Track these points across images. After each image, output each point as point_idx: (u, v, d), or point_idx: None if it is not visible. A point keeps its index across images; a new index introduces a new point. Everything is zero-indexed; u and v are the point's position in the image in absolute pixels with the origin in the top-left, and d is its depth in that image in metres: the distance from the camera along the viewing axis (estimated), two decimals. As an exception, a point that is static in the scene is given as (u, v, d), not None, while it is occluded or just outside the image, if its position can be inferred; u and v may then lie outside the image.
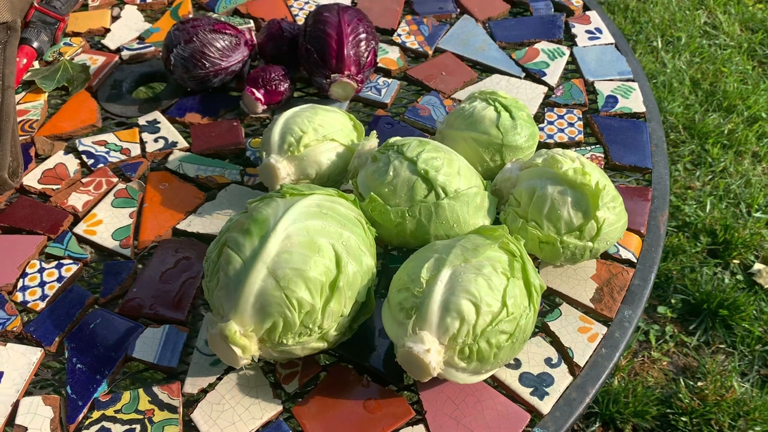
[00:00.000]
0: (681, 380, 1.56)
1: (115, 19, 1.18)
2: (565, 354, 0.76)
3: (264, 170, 0.84)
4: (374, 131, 0.83)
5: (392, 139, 0.81)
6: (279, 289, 0.65)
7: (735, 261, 1.80)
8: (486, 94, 0.87)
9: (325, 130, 0.84)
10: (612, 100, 1.02)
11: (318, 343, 0.69)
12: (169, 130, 1.00)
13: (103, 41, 1.15)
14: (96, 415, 0.71)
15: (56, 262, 0.84)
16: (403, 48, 1.12)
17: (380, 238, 0.79)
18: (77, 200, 0.91)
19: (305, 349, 0.69)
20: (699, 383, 1.56)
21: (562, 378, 0.74)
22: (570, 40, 1.13)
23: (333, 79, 0.96)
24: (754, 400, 1.50)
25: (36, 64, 1.09)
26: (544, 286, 0.71)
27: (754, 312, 1.67)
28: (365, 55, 0.97)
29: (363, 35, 0.97)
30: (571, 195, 0.75)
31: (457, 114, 0.87)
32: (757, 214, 1.89)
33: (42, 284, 0.82)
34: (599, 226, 0.75)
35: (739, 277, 1.77)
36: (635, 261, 0.84)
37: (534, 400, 0.72)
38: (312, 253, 0.66)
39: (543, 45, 1.11)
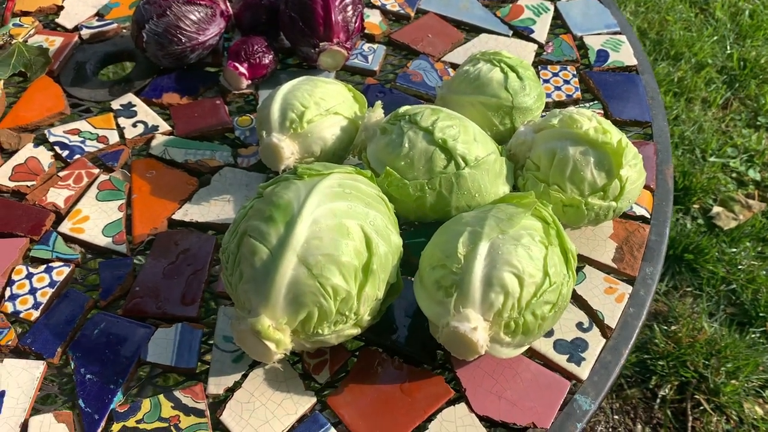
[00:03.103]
0: (655, 326, 1.60)
1: (66, -6, 1.08)
2: (595, 317, 0.75)
3: (266, 150, 0.78)
4: (379, 101, 0.79)
5: (402, 109, 0.77)
6: (312, 278, 0.61)
7: (695, 206, 1.85)
8: (489, 55, 0.84)
9: (327, 104, 0.79)
10: (603, 54, 1.00)
11: (352, 329, 0.66)
12: (147, 113, 0.92)
13: (57, 20, 1.05)
14: (116, 427, 0.66)
15: (45, 266, 0.77)
16: (384, 11, 1.07)
17: (397, 214, 0.75)
18: (57, 196, 0.83)
19: (340, 337, 0.66)
20: (672, 327, 1.60)
21: (595, 342, 0.73)
22: (551, -6, 1.11)
23: (322, 47, 0.91)
24: (724, 338, 1.56)
25: (-15, 50, 0.99)
26: (577, 250, 0.70)
27: (717, 254, 1.72)
28: (353, 20, 0.92)
29: (349, -1, 0.91)
30: (593, 155, 0.73)
31: (461, 78, 0.84)
32: (712, 159, 1.94)
33: (33, 291, 0.75)
34: (623, 185, 0.73)
35: (700, 221, 1.82)
36: (649, 217, 0.83)
37: (572, 367, 0.71)
38: (342, 236, 0.62)
39: (526, 1, 1.08)
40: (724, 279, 1.68)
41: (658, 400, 1.47)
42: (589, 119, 0.75)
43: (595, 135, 0.73)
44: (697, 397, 1.47)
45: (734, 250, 1.72)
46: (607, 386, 0.70)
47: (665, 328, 1.60)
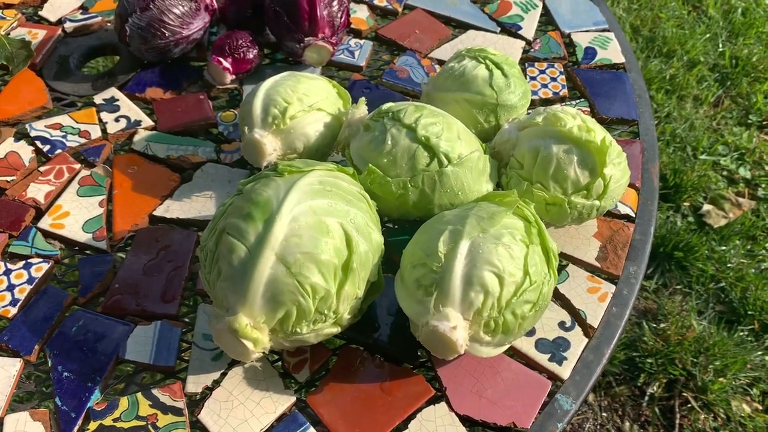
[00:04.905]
0: (644, 323, 1.60)
1: (50, -13, 1.07)
2: (577, 316, 0.74)
3: (248, 146, 0.78)
4: (363, 98, 0.78)
5: (385, 106, 0.76)
6: (291, 276, 0.60)
7: (685, 204, 1.85)
8: (475, 52, 0.83)
9: (310, 100, 0.78)
10: (591, 51, 1.00)
11: (332, 328, 0.65)
12: (130, 108, 0.92)
13: (40, 12, 1.04)
14: (93, 426, 0.65)
15: (23, 262, 0.76)
16: (371, 6, 1.06)
17: (379, 211, 0.75)
18: (37, 191, 0.82)
19: (319, 336, 0.65)
20: (661, 325, 1.60)
21: (577, 341, 0.72)
22: (540, -10, 1.10)
23: (307, 42, 0.90)
24: (713, 336, 1.56)
25: (-34, 42, 0.98)
26: (559, 249, 0.69)
27: (707, 252, 1.72)
28: (338, 15, 0.91)
29: (335, -6, 0.91)
30: (576, 153, 0.73)
31: (446, 75, 0.83)
32: (703, 156, 1.94)
33: (11, 288, 0.74)
34: (606, 184, 0.73)
35: (690, 219, 1.82)
36: (634, 216, 0.83)
37: (553, 366, 0.70)
38: (321, 234, 0.62)
39: (514, -3, 1.08)
40: (714, 277, 1.68)
41: (646, 398, 1.47)
42: (573, 117, 0.74)
43: (579, 133, 0.73)
44: (685, 394, 1.47)
45: (724, 248, 1.72)
46: (589, 386, 0.70)
47: (654, 325, 1.60)
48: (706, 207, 1.83)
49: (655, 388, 1.48)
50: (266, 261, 0.60)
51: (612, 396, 1.49)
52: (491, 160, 0.76)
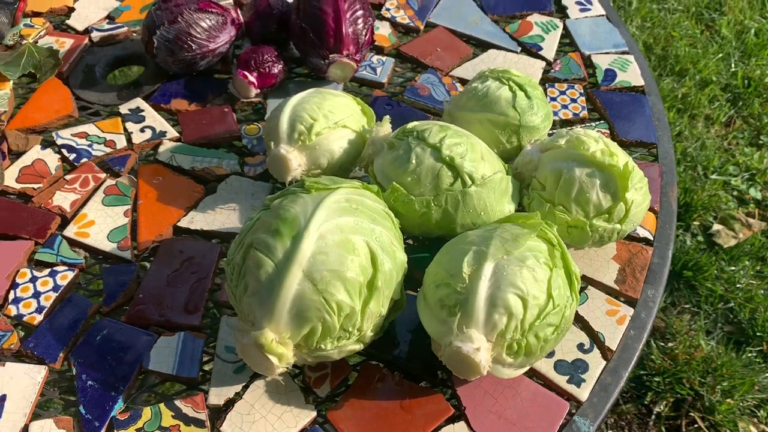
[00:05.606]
0: (652, 342, 1.60)
1: (78, -4, 1.08)
2: (596, 338, 0.75)
3: (273, 161, 0.79)
4: (387, 116, 0.79)
5: (410, 125, 0.77)
6: (317, 293, 0.61)
7: (695, 223, 1.85)
8: (498, 73, 0.84)
9: (335, 117, 0.79)
10: (611, 73, 1.01)
11: (355, 345, 0.66)
12: (155, 119, 0.93)
13: (68, 21, 1.05)
14: (116, 435, 0.66)
15: (49, 270, 0.77)
16: (393, 23, 1.07)
17: (402, 229, 0.76)
18: (63, 200, 0.83)
19: (342, 353, 0.66)
20: (669, 344, 1.60)
21: (595, 363, 0.73)
22: (561, 12, 1.11)
23: (331, 59, 0.91)
24: (721, 356, 1.56)
25: (-5, 49, 1.00)
26: (580, 272, 0.70)
27: (716, 272, 1.72)
28: (363, 33, 0.92)
29: (360, 11, 0.92)
30: (599, 177, 0.73)
31: (470, 95, 0.84)
32: (714, 176, 1.94)
33: (36, 295, 0.75)
34: (628, 208, 0.74)
35: (700, 238, 1.82)
36: (652, 239, 0.83)
37: (571, 388, 0.71)
38: (348, 252, 0.63)
39: (535, 18, 1.09)
40: (723, 297, 1.68)
41: (653, 417, 1.47)
42: (596, 141, 0.75)
43: (602, 157, 0.73)
44: (692, 414, 1.47)
45: (733, 268, 1.72)
46: (606, 408, 0.71)
47: (662, 344, 1.60)
48: (716, 227, 1.83)
49: (662, 407, 1.48)
50: (293, 277, 0.61)
51: (619, 414, 1.49)
52: (513, 181, 0.77)
